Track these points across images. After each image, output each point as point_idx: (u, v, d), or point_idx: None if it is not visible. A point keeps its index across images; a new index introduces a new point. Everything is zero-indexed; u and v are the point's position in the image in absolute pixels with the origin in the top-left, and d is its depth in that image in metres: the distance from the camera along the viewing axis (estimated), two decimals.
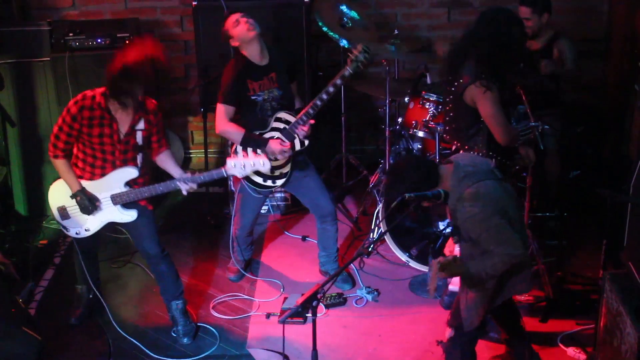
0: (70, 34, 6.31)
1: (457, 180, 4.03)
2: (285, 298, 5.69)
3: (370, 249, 4.22)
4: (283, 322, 4.82)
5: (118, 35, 6.35)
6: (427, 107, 5.93)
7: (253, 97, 5.36)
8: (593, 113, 6.63)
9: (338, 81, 5.30)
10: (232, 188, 6.64)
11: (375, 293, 5.73)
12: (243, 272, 5.95)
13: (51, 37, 6.40)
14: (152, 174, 5.17)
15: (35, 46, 6.44)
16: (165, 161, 5.06)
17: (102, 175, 4.88)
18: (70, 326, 5.39)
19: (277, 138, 5.38)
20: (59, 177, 4.97)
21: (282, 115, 5.41)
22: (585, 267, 5.72)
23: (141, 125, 4.85)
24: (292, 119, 5.39)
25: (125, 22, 6.62)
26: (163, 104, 6.99)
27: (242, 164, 4.86)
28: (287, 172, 5.50)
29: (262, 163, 4.87)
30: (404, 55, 6.29)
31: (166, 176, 5.07)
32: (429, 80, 6.27)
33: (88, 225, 5.02)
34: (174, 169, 5.02)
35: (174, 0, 7.02)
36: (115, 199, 4.92)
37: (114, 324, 5.30)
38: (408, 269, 5.91)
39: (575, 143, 6.21)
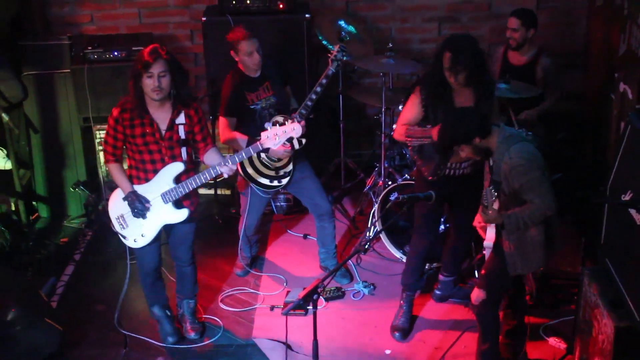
0: (89, 48, 6.32)
1: (504, 138, 4.20)
2: (288, 292, 5.70)
3: (366, 247, 4.27)
4: (286, 314, 4.80)
5: (133, 48, 6.35)
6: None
7: (252, 107, 5.41)
8: (573, 120, 6.63)
9: (324, 80, 5.39)
10: (240, 191, 6.68)
11: (372, 287, 5.74)
12: (249, 268, 5.97)
13: (71, 50, 6.41)
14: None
15: (56, 59, 6.44)
16: (213, 158, 4.79)
17: (155, 175, 4.74)
18: (89, 318, 5.40)
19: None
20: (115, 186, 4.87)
21: (279, 119, 5.44)
22: (566, 263, 5.72)
23: (181, 119, 4.67)
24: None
25: (139, 36, 6.62)
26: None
27: (275, 133, 4.59)
28: (289, 171, 5.53)
29: (293, 128, 4.61)
30: (399, 67, 6.28)
31: None
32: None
33: (144, 230, 4.82)
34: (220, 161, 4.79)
35: (184, 16, 7.02)
36: (166, 197, 4.73)
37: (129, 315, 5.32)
38: (402, 264, 5.90)
39: (557, 148, 6.21)
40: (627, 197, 4.06)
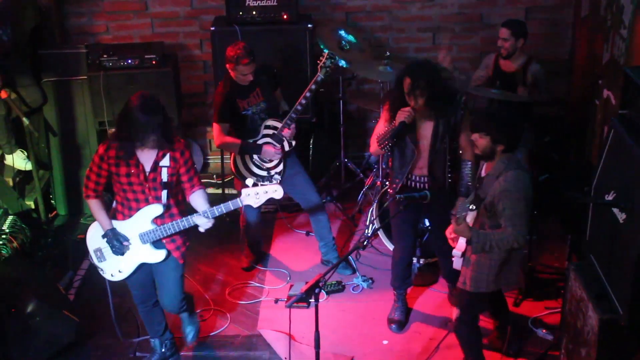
0: (105, 56, 6.31)
1: (507, 158, 4.19)
2: (291, 286, 5.70)
3: (365, 243, 4.25)
4: (289, 306, 4.80)
5: (146, 56, 6.35)
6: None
7: (243, 113, 5.43)
8: (559, 124, 6.62)
9: (313, 86, 5.42)
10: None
11: (370, 281, 5.73)
12: (254, 264, 5.97)
13: (88, 58, 6.41)
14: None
15: (74, 66, 6.44)
16: (198, 201, 4.43)
17: (137, 213, 4.43)
18: (104, 310, 5.38)
19: (269, 143, 5.46)
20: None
21: (270, 122, 5.48)
22: (553, 259, 5.72)
23: (166, 161, 4.31)
24: (279, 124, 5.47)
25: (152, 45, 6.61)
26: (185, 116, 7.03)
27: (256, 192, 4.33)
28: (281, 171, 5.55)
29: (275, 189, 4.36)
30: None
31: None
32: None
33: (122, 266, 4.52)
34: (203, 208, 4.40)
35: (194, 26, 7.01)
36: (144, 237, 4.41)
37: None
38: None
39: (544, 150, 6.20)
40: (610, 197, 4.06)
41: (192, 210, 4.43)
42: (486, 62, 6.18)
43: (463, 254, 4.38)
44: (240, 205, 4.37)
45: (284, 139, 5.47)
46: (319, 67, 5.44)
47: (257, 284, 5.79)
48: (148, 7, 6.98)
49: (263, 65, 5.51)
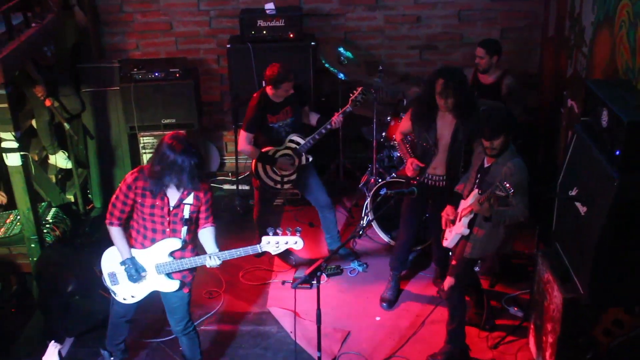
0: (135, 69, 6.32)
1: (510, 151, 4.34)
2: (296, 269, 5.71)
3: (360, 233, 4.26)
4: (295, 287, 4.81)
5: (170, 70, 6.35)
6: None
7: (271, 125, 5.38)
8: (530, 129, 6.61)
9: (340, 116, 5.31)
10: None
11: (365, 265, 5.74)
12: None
13: (120, 71, 6.41)
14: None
15: (108, 79, 6.45)
16: (206, 236, 4.14)
17: (153, 243, 4.10)
18: None
19: (286, 156, 5.42)
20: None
21: (295, 137, 5.44)
22: (524, 246, 5.73)
23: (190, 199, 4.02)
24: (302, 141, 5.43)
25: (176, 60, 6.62)
26: (204, 122, 7.04)
27: (276, 241, 3.99)
28: (293, 179, 5.53)
29: (295, 242, 3.99)
30: (387, 86, 6.29)
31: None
32: (405, 103, 6.27)
33: (135, 292, 4.22)
34: (211, 246, 4.10)
35: (212, 43, 7.02)
36: (160, 268, 4.11)
37: None
38: (390, 247, 5.92)
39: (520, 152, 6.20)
40: (573, 193, 4.07)
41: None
42: (467, 76, 6.17)
43: (469, 235, 4.45)
44: (259, 252, 4.04)
45: (303, 153, 5.44)
46: (350, 99, 5.31)
47: (267, 268, 5.80)
48: (173, 27, 6.98)
49: (296, 84, 5.41)
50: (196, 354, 4.49)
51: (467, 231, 4.43)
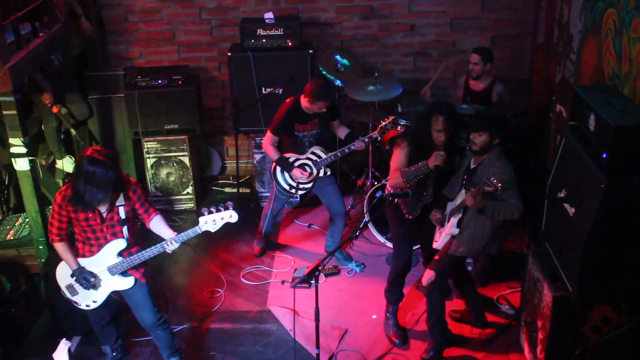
0: (139, 77, 6.32)
1: (495, 153, 4.30)
2: (296, 269, 5.70)
3: (357, 234, 4.24)
4: (294, 287, 4.82)
5: (173, 77, 6.36)
6: (398, 129, 5.92)
7: (296, 133, 5.37)
8: (520, 134, 6.62)
9: (366, 139, 5.27)
10: (257, 189, 6.68)
11: (362, 266, 5.73)
12: (264, 249, 5.97)
13: (125, 79, 6.42)
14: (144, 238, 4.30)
15: (113, 86, 6.46)
16: (157, 226, 4.13)
17: (99, 249, 4.11)
18: None
19: (301, 164, 5.40)
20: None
21: (317, 151, 5.42)
22: (515, 247, 5.72)
23: (121, 200, 4.01)
24: (323, 155, 5.40)
25: (178, 68, 6.63)
26: (206, 127, 7.03)
27: (213, 219, 4.02)
28: (308, 187, 5.51)
29: (229, 215, 4.05)
30: (383, 93, 6.27)
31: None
32: (400, 109, 6.27)
33: (95, 297, 4.23)
34: (166, 232, 4.10)
35: (214, 52, 7.02)
36: (112, 270, 4.12)
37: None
38: (385, 247, 5.91)
39: (508, 156, 6.18)
40: (562, 194, 4.06)
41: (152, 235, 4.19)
42: (459, 82, 6.19)
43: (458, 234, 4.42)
44: (199, 232, 4.02)
45: (322, 167, 5.42)
46: (379, 126, 5.22)
47: (267, 268, 5.78)
48: (175, 36, 6.98)
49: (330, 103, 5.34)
50: (175, 343, 4.51)
51: (456, 231, 4.42)
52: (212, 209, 4.03)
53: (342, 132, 5.53)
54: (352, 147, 5.29)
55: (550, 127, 6.18)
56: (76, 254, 4.19)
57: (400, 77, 7.04)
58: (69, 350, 4.63)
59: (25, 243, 5.37)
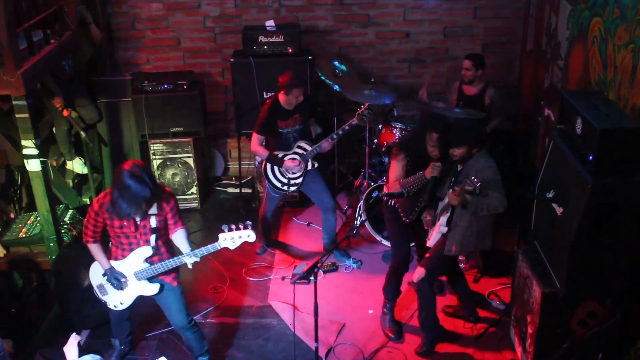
0: (145, 82, 6.33)
1: (480, 153, 4.33)
2: (295, 266, 5.71)
3: (354, 232, 4.25)
4: (294, 283, 4.83)
5: (178, 82, 6.37)
6: (394, 132, 5.95)
7: (280, 130, 5.39)
8: (510, 136, 6.63)
9: (346, 127, 5.31)
10: (258, 190, 6.69)
11: (359, 262, 5.74)
12: (266, 247, 5.98)
13: (132, 84, 6.43)
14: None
15: (121, 90, 6.47)
16: (178, 238, 4.13)
17: (131, 252, 4.13)
18: None
19: (291, 158, 5.41)
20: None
21: (303, 144, 5.44)
22: (505, 244, 5.73)
23: (154, 210, 4.00)
24: (309, 148, 5.42)
25: (183, 73, 6.63)
26: (209, 130, 7.04)
27: (232, 236, 3.99)
28: (299, 182, 5.52)
29: (247, 235, 4.00)
30: (379, 98, 6.29)
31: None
32: (395, 113, 6.28)
33: (122, 299, 4.27)
34: (184, 247, 4.10)
35: (217, 58, 7.02)
36: (138, 275, 4.14)
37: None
38: (381, 245, 5.92)
39: (498, 157, 6.19)
40: (550, 195, 4.08)
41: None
42: (453, 87, 6.21)
43: (447, 232, 4.42)
44: (219, 248, 4.00)
45: (309, 159, 5.44)
46: (356, 114, 5.29)
47: (268, 265, 5.79)
48: (180, 43, 6.99)
49: (305, 95, 5.40)
50: (204, 344, 4.48)
51: (445, 229, 4.43)
52: (232, 226, 3.99)
53: (316, 128, 5.62)
54: (335, 137, 5.32)
55: (539, 130, 6.19)
56: (109, 255, 4.20)
57: (396, 83, 7.06)
58: (79, 343, 4.64)
59: (36, 241, 5.37)
